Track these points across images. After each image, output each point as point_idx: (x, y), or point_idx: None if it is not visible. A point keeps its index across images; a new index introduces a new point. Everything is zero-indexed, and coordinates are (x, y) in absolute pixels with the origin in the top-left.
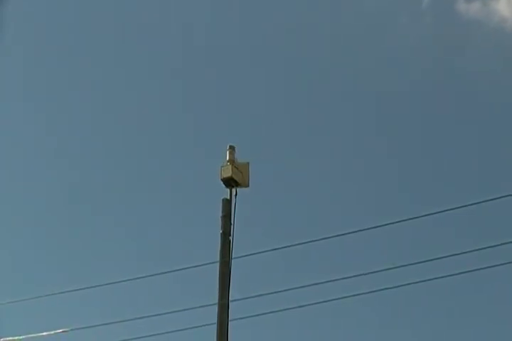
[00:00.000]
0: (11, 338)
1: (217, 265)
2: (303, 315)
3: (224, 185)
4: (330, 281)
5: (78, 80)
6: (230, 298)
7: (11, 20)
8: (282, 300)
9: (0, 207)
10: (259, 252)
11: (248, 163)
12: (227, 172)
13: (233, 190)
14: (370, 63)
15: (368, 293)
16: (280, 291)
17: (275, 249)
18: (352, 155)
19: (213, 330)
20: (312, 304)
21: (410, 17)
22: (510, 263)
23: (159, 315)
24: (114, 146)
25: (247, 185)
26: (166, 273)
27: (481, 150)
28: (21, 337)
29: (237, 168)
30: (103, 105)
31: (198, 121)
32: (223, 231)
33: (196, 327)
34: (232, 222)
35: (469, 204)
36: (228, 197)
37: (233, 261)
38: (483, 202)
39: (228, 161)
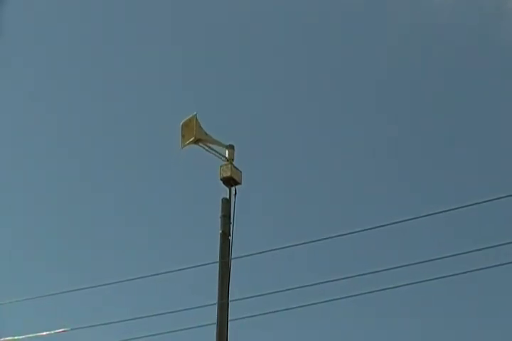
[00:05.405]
0: (11, 338)
1: (217, 265)
2: (303, 315)
3: (223, 185)
4: (330, 281)
5: (79, 79)
6: (230, 298)
7: (11, 20)
8: (282, 300)
9: None
10: (259, 252)
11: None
12: (227, 172)
13: (232, 190)
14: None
15: (368, 293)
16: (280, 291)
17: (275, 249)
18: (352, 155)
19: (213, 330)
20: (312, 304)
21: None
22: (510, 263)
23: (159, 314)
24: (113, 146)
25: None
26: (165, 273)
27: (482, 149)
28: (21, 337)
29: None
30: (104, 105)
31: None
32: (223, 231)
33: (196, 327)
34: (232, 222)
35: (469, 205)
36: (228, 197)
37: (233, 261)
38: (483, 202)
39: (227, 160)
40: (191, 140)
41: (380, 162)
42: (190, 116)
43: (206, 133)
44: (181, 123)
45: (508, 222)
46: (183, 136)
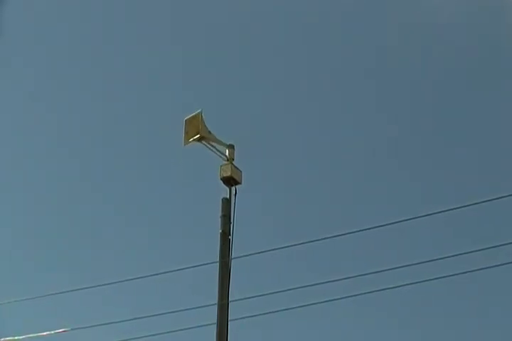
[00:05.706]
0: (11, 338)
1: (217, 265)
2: (303, 315)
3: (224, 185)
4: (330, 281)
5: (79, 79)
6: (230, 298)
7: (11, 20)
8: (282, 300)
9: None
10: (259, 252)
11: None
12: (227, 172)
13: (232, 189)
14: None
15: (368, 293)
16: (280, 291)
17: (275, 249)
18: (352, 155)
19: (213, 330)
20: (312, 304)
21: None
22: (510, 263)
23: (159, 314)
24: (113, 146)
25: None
26: (165, 273)
27: (482, 149)
28: (21, 337)
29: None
30: (104, 105)
31: None
32: (223, 231)
33: (196, 327)
34: (232, 222)
35: (469, 205)
36: (228, 197)
37: (233, 261)
38: (483, 202)
39: (228, 160)
40: (196, 137)
41: (380, 162)
42: (195, 113)
43: (210, 132)
44: (185, 120)
45: (508, 222)
46: (186, 132)
